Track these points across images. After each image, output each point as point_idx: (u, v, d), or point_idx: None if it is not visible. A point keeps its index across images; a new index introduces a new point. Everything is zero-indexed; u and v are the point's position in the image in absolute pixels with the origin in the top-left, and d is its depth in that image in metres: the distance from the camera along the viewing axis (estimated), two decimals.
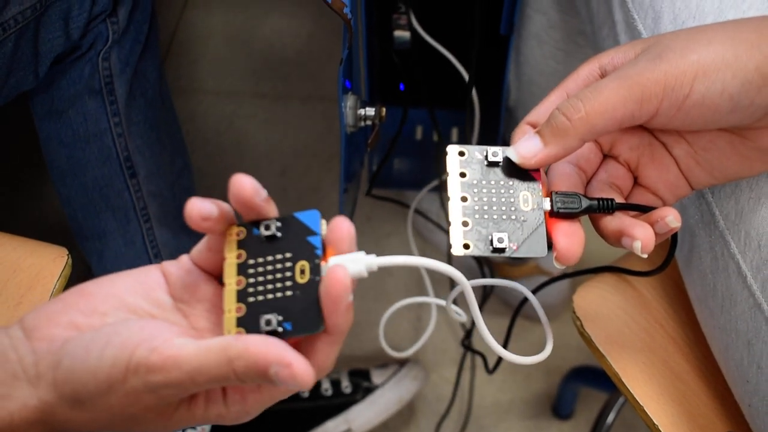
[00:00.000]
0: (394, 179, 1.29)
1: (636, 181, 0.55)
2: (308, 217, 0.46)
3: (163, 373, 0.42)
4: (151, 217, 1.02)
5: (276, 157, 1.50)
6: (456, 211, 0.51)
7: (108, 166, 0.99)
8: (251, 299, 0.45)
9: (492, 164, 0.52)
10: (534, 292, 0.75)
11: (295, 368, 0.42)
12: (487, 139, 1.09)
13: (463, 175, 0.51)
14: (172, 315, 0.48)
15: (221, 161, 1.49)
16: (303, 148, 1.51)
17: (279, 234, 0.46)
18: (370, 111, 0.84)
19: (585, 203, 0.52)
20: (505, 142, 1.13)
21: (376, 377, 1.18)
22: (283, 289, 0.45)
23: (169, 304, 0.48)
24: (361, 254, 0.45)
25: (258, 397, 0.46)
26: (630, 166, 0.55)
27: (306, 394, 1.16)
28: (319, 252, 0.46)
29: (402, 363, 1.20)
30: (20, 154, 1.45)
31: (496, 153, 0.52)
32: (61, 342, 0.45)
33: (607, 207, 0.52)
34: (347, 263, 0.45)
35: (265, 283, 0.46)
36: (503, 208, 0.51)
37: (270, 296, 0.45)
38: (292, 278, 0.45)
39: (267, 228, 0.46)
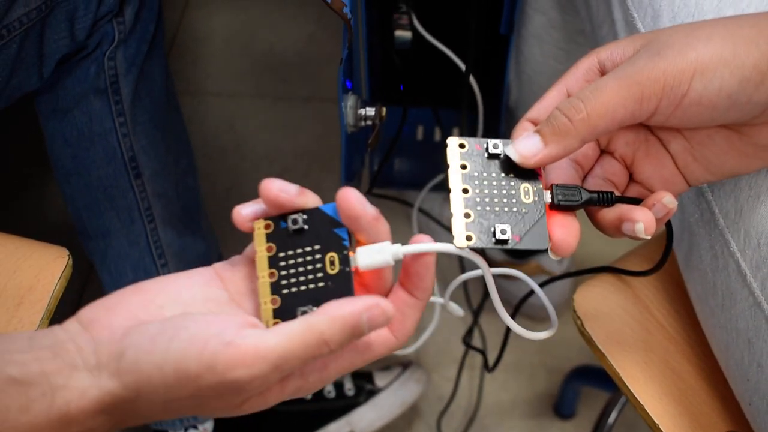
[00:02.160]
0: (394, 179, 1.29)
1: (631, 178, 0.55)
2: (332, 208, 0.47)
3: (244, 367, 0.42)
4: (156, 218, 1.02)
5: (276, 157, 1.50)
6: (458, 203, 0.51)
7: (113, 166, 0.99)
8: (285, 291, 0.47)
9: (492, 156, 0.52)
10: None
11: (383, 304, 0.44)
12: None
13: (464, 167, 0.51)
14: (228, 308, 0.49)
15: (222, 162, 1.49)
16: (303, 148, 1.51)
17: (306, 227, 0.47)
18: (371, 111, 0.83)
19: (585, 196, 0.52)
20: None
21: (380, 380, 1.18)
22: (315, 280, 0.47)
23: (224, 298, 0.49)
24: (387, 244, 0.47)
25: (339, 363, 0.48)
26: (626, 162, 0.55)
27: (309, 396, 1.16)
28: (346, 243, 0.47)
29: (405, 365, 1.20)
30: (24, 153, 1.45)
31: (497, 145, 0.52)
32: (122, 331, 0.45)
33: (607, 200, 0.52)
34: (374, 254, 0.46)
35: (297, 275, 0.47)
36: (504, 200, 0.51)
37: (303, 288, 0.47)
38: (323, 269, 0.47)
39: (294, 222, 0.47)
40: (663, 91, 0.48)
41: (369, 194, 1.07)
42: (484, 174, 0.51)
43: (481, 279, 1.08)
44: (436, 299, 0.83)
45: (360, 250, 0.47)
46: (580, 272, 0.72)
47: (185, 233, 1.06)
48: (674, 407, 0.65)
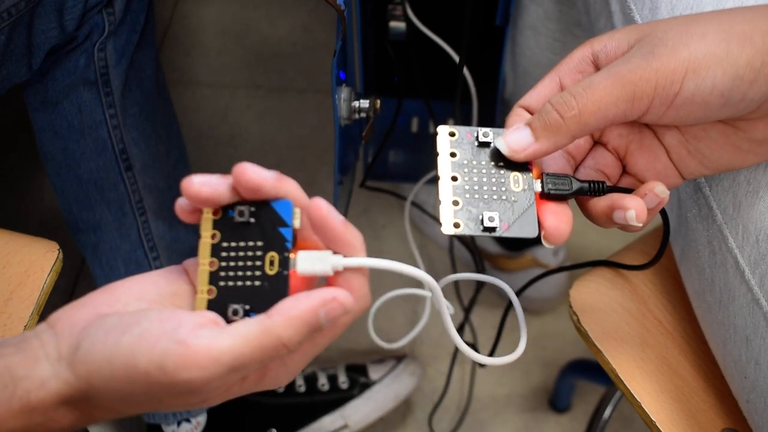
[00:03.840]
0: (389, 172, 1.28)
1: (624, 170, 0.55)
2: (282, 206, 0.47)
3: (196, 369, 0.41)
4: (147, 210, 1.02)
5: (270, 149, 1.49)
6: (446, 190, 0.51)
7: (103, 159, 0.98)
8: (222, 283, 0.46)
9: (483, 145, 0.52)
10: (530, 284, 0.75)
11: (340, 297, 0.44)
12: None
13: (453, 155, 0.52)
14: (192, 300, 0.48)
15: (215, 154, 1.48)
16: (297, 140, 1.50)
17: (252, 220, 0.47)
18: (365, 103, 0.83)
19: (576, 185, 0.52)
20: None
21: (373, 373, 1.17)
22: (252, 278, 0.46)
23: (190, 292, 0.48)
24: (329, 254, 0.46)
25: (302, 352, 0.47)
26: (619, 154, 0.55)
27: (303, 389, 1.15)
28: (288, 245, 0.46)
29: (399, 358, 1.20)
30: (13, 145, 1.44)
31: (487, 134, 0.52)
32: (83, 324, 0.45)
33: (598, 189, 0.52)
34: (314, 261, 0.46)
35: (236, 269, 0.46)
36: (494, 188, 0.51)
37: (239, 283, 0.46)
38: (261, 268, 0.46)
39: (241, 214, 0.47)
40: (655, 91, 0.48)
41: (363, 187, 1.06)
42: (474, 162, 0.52)
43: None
44: (424, 293, 0.82)
45: (301, 254, 0.46)
46: (576, 266, 0.72)
47: (177, 225, 1.05)
48: (671, 404, 0.64)
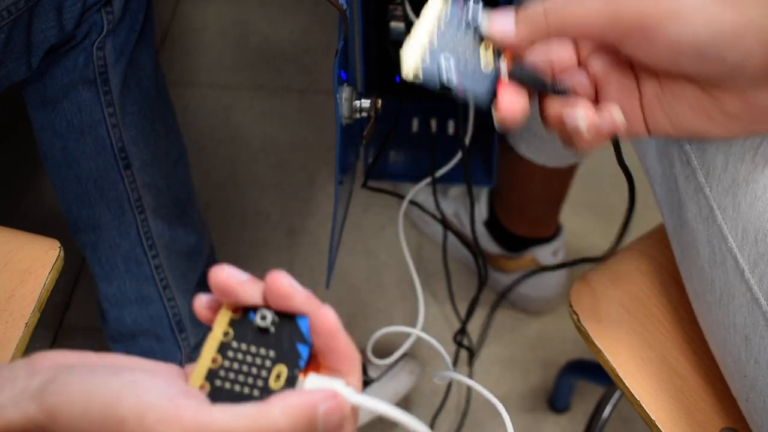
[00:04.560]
0: (389, 172, 1.28)
1: (596, 100, 0.56)
2: (306, 324, 0.44)
3: (176, 428, 0.38)
4: (146, 208, 1.02)
5: (272, 150, 1.50)
6: (419, 33, 0.53)
7: (102, 158, 0.98)
8: (218, 382, 0.43)
9: (469, 25, 0.54)
10: (522, 279, 0.75)
11: (340, 398, 0.41)
12: (481, 135, 1.08)
13: (439, 26, 0.54)
14: None
15: (216, 154, 1.48)
16: (299, 140, 1.50)
17: (272, 329, 0.44)
18: (366, 103, 0.83)
19: (540, 78, 0.53)
20: (500, 134, 1.12)
21: (372, 371, 1.18)
22: (253, 386, 0.43)
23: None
24: (341, 384, 0.43)
25: None
26: (596, 82, 0.55)
27: None
28: (302, 363, 0.43)
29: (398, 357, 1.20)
30: (13, 145, 1.44)
31: (477, 9, 0.54)
32: (67, 366, 0.42)
33: (559, 90, 0.54)
34: (325, 387, 0.43)
35: (238, 372, 0.43)
36: (466, 56, 0.53)
37: (237, 389, 0.43)
38: (265, 380, 0.43)
39: (263, 318, 0.44)
40: (640, 19, 0.49)
41: (364, 187, 1.06)
42: (457, 33, 0.54)
43: (474, 278, 1.07)
44: (423, 335, 0.82)
45: (311, 377, 0.43)
46: (569, 264, 0.72)
47: (176, 225, 1.05)
48: (670, 403, 0.65)
